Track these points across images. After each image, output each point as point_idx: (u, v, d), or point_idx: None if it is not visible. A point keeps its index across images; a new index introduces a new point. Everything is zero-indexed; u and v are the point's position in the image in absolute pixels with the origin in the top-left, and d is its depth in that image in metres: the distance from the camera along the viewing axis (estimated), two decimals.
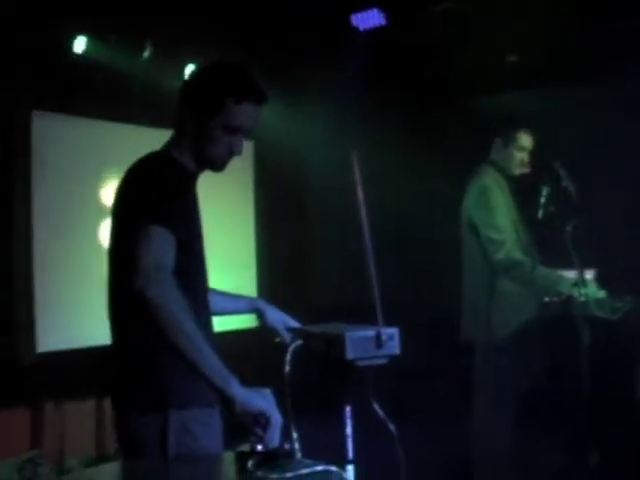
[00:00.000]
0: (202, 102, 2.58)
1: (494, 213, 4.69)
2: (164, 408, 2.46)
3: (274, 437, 2.22)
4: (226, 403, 2.27)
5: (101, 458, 5.51)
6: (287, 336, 2.82)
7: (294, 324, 2.87)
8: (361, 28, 6.49)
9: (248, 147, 6.41)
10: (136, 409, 2.50)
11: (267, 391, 2.29)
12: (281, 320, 2.89)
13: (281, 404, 2.29)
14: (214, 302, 2.74)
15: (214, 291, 2.80)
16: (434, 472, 4.96)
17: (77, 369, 5.42)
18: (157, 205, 2.41)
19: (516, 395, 4.65)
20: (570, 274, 4.43)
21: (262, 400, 2.25)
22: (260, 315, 2.94)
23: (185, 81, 2.66)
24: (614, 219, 5.64)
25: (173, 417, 2.45)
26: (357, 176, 2.35)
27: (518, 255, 4.61)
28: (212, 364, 2.27)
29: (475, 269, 4.79)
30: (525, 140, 4.84)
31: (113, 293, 2.59)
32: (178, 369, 2.38)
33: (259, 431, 2.20)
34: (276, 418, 2.26)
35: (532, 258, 4.63)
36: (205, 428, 2.52)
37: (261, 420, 2.21)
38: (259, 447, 2.11)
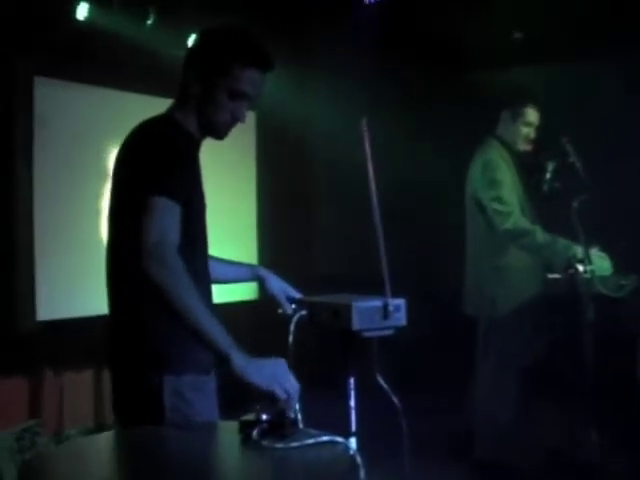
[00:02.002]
0: (208, 66, 2.54)
1: (499, 187, 4.65)
2: (159, 373, 2.44)
3: (292, 404, 2.18)
4: (230, 372, 2.24)
5: (99, 428, 5.50)
6: (288, 306, 2.79)
7: (295, 294, 2.82)
8: (366, 1, 6.46)
9: (250, 116, 6.37)
10: (132, 374, 2.49)
11: (280, 361, 2.24)
12: (282, 289, 2.84)
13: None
14: (214, 269, 2.71)
15: (214, 258, 2.77)
16: (437, 444, 4.97)
17: (77, 338, 5.40)
18: (161, 174, 2.36)
19: (518, 370, 4.64)
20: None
21: (259, 375, 2.19)
22: (261, 283, 2.90)
23: (192, 44, 2.60)
24: (621, 196, 5.60)
25: (168, 382, 2.44)
26: (367, 145, 2.31)
27: (526, 223, 4.58)
28: (214, 335, 2.23)
29: (478, 243, 4.78)
30: (532, 115, 4.80)
31: (111, 259, 2.57)
32: (174, 335, 2.37)
33: (268, 400, 2.16)
34: (292, 385, 2.20)
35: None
36: (199, 394, 2.50)
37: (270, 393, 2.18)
38: (264, 416, 2.08)
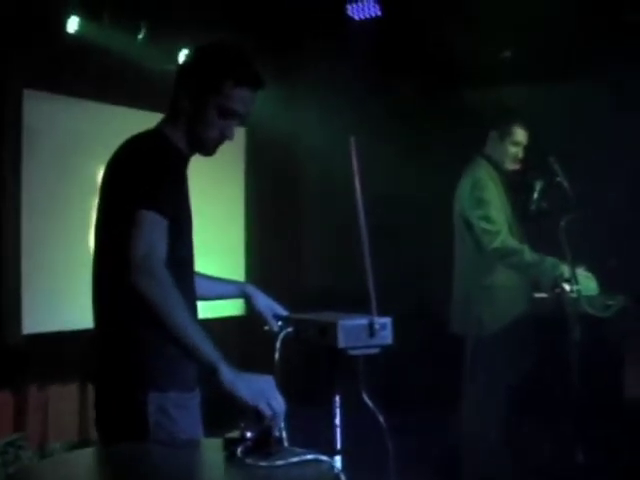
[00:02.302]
0: (199, 83, 2.54)
1: (487, 206, 4.66)
2: (144, 389, 2.43)
3: (277, 422, 2.17)
4: (217, 385, 2.22)
5: (84, 443, 5.47)
6: (274, 323, 2.79)
7: (282, 311, 2.82)
8: (356, 17, 6.48)
9: (240, 131, 6.38)
10: (116, 389, 2.47)
11: (269, 378, 2.24)
12: (269, 306, 2.84)
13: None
14: (200, 286, 2.70)
15: (201, 275, 2.77)
16: (423, 463, 4.96)
17: (62, 352, 5.38)
18: (149, 188, 2.36)
19: (505, 388, 4.64)
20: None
21: (247, 389, 2.18)
22: (248, 300, 2.90)
23: (184, 60, 2.60)
24: (607, 216, 5.62)
25: (152, 398, 2.42)
26: (355, 163, 2.32)
27: (514, 243, 4.60)
28: (203, 348, 2.22)
29: (466, 262, 4.78)
30: (520, 135, 4.81)
31: (98, 273, 2.56)
32: (160, 350, 2.37)
33: (254, 416, 2.16)
34: (278, 403, 2.20)
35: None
36: (184, 411, 2.49)
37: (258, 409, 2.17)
38: (248, 434, 2.08)
